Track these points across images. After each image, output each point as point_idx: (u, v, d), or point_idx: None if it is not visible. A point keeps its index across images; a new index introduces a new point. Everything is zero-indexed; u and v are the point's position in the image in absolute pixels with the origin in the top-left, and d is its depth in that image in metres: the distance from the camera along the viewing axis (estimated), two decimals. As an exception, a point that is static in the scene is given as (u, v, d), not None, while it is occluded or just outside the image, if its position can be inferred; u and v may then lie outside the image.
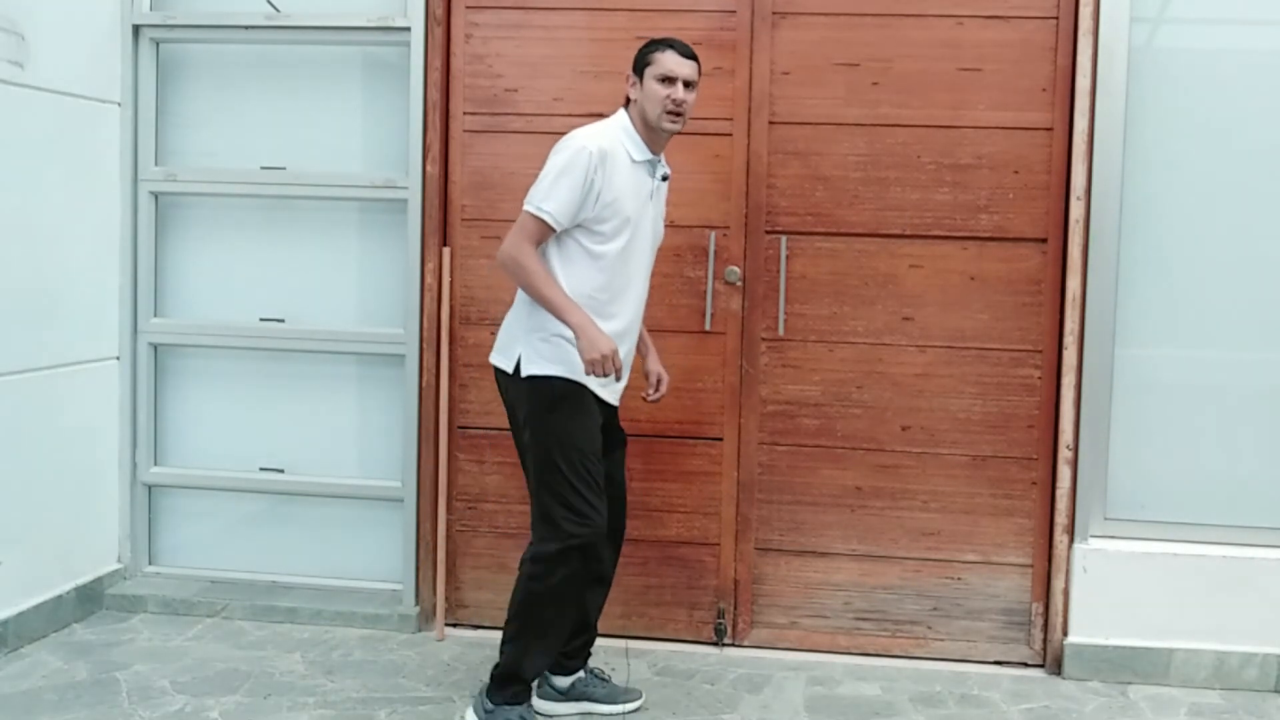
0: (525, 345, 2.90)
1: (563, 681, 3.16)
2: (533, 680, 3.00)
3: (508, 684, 2.96)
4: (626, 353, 3.00)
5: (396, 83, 3.74)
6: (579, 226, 2.86)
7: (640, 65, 2.92)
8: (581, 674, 3.17)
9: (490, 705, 2.96)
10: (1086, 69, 3.40)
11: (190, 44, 3.88)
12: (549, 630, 2.94)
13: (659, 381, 3.19)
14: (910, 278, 3.54)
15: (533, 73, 3.62)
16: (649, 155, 2.93)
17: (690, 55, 2.92)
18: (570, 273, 2.87)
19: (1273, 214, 3.48)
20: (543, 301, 2.82)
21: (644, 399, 3.20)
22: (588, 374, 2.80)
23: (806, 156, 3.55)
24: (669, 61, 2.87)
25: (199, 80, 3.90)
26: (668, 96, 2.86)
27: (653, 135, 2.92)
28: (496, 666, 2.99)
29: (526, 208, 2.83)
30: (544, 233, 2.83)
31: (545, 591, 2.89)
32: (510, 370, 2.93)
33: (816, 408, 3.59)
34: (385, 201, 3.77)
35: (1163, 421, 3.53)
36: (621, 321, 2.94)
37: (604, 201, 2.82)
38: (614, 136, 2.88)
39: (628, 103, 2.95)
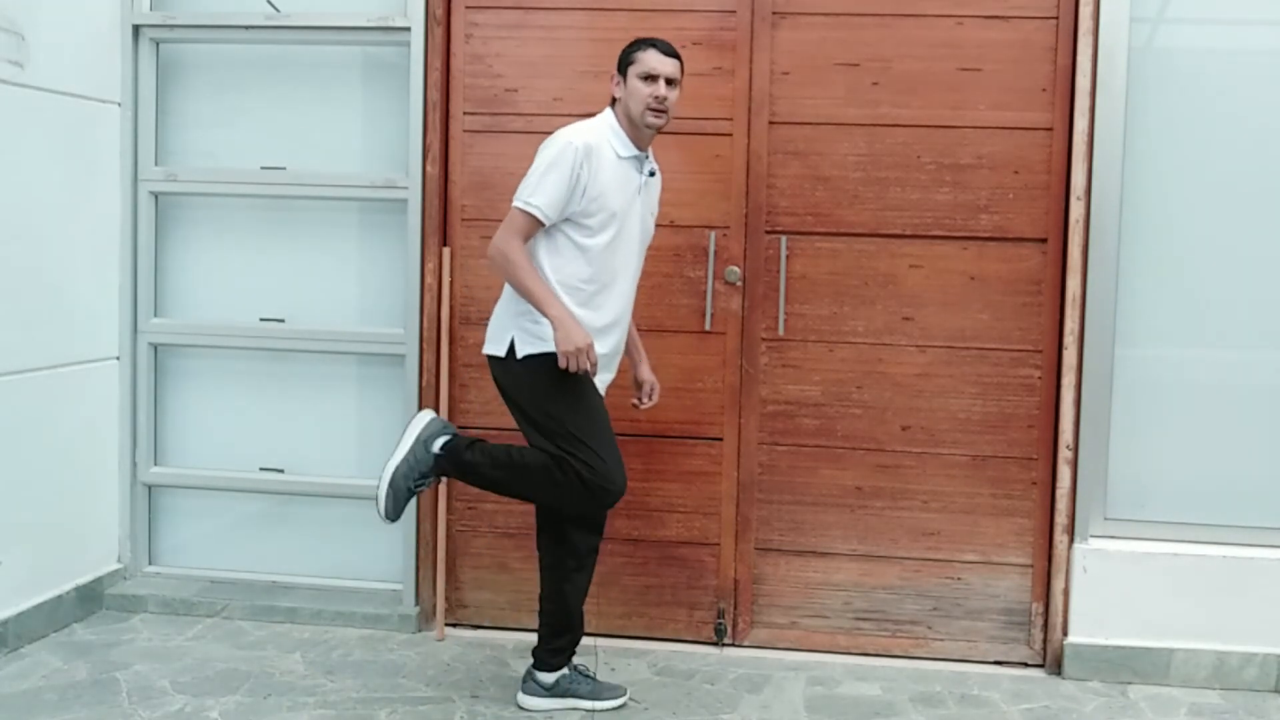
0: (517, 329, 2.97)
1: (548, 678, 3.18)
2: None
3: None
4: (614, 347, 3.08)
5: (396, 83, 3.74)
6: (567, 220, 2.93)
7: (624, 64, 3.00)
8: (566, 671, 3.19)
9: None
10: (1086, 69, 3.40)
11: (190, 44, 3.88)
12: (520, 490, 3.06)
13: (651, 390, 3.27)
14: (910, 278, 3.54)
15: (533, 73, 3.62)
16: (635, 151, 3.00)
17: (672, 54, 3.00)
18: (558, 264, 2.95)
19: (1273, 213, 3.48)
20: (525, 293, 2.89)
21: (634, 406, 3.27)
22: (562, 366, 2.85)
23: (806, 156, 3.55)
24: (651, 60, 2.96)
25: (199, 80, 3.90)
26: (650, 94, 2.94)
27: (637, 132, 2.99)
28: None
29: (515, 203, 2.91)
30: (532, 227, 2.91)
31: (539, 476, 2.96)
32: (504, 354, 2.99)
33: (816, 408, 3.59)
34: (385, 201, 3.77)
35: (1163, 421, 3.53)
36: (609, 315, 3.02)
37: (590, 195, 2.90)
38: (600, 133, 2.96)
39: (614, 102, 3.03)
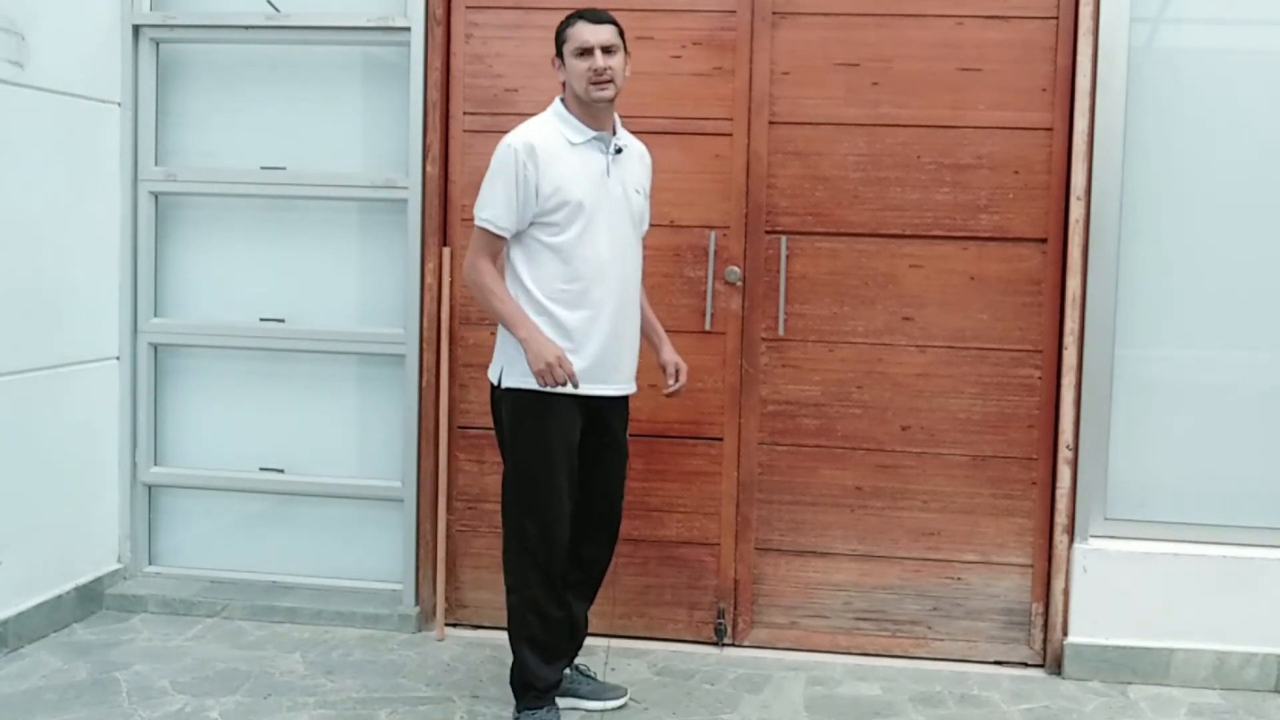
0: (505, 357, 2.91)
1: None
2: (545, 687, 3.02)
3: (522, 691, 3.03)
4: (625, 339, 2.95)
5: (396, 83, 3.74)
6: (532, 224, 2.84)
7: (559, 45, 2.90)
8: (568, 671, 3.19)
9: (516, 714, 3.04)
10: (1086, 69, 3.40)
11: (190, 44, 3.88)
12: (536, 637, 2.99)
13: (678, 371, 3.12)
14: (910, 278, 3.54)
15: (533, 73, 3.62)
16: (591, 133, 2.88)
17: (603, 20, 2.87)
18: (536, 272, 2.86)
19: (1272, 214, 3.48)
20: (495, 316, 2.85)
21: (664, 394, 3.15)
22: (541, 385, 2.79)
23: (806, 156, 3.55)
24: (582, 33, 2.84)
25: (199, 80, 3.90)
26: (588, 68, 2.82)
27: (589, 112, 2.88)
28: (511, 674, 3.06)
29: (474, 221, 2.85)
30: (494, 241, 2.85)
31: (521, 602, 2.97)
32: (495, 381, 2.95)
33: (816, 408, 3.59)
34: (385, 201, 3.77)
35: (1163, 421, 3.53)
36: (607, 310, 2.89)
37: (545, 194, 2.80)
38: (545, 126, 2.87)
39: (564, 88, 2.93)
